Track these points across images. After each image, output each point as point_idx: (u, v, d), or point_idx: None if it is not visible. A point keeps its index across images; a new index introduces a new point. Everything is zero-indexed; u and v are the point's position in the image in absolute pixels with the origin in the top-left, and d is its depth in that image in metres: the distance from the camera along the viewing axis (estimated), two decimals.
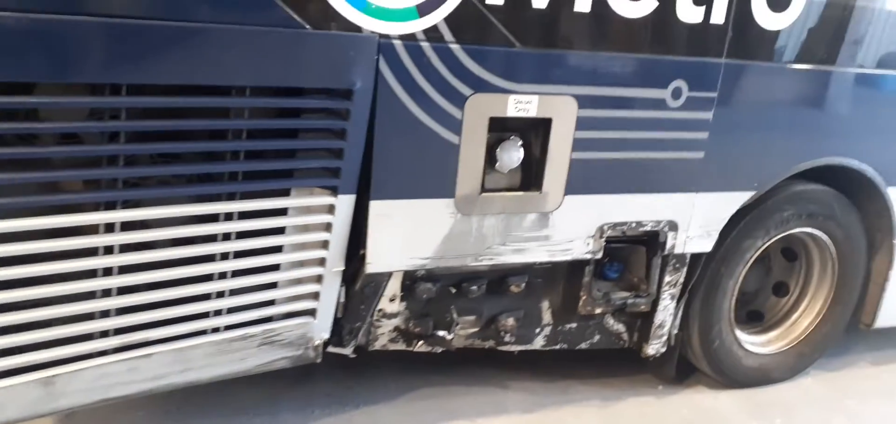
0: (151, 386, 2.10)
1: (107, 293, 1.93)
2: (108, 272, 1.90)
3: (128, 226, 1.90)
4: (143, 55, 1.81)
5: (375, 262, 2.29)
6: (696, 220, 2.73)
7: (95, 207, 1.87)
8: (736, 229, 2.88)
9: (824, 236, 3.12)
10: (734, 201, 2.78)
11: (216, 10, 1.87)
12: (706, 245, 2.81)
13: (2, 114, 1.71)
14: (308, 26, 1.96)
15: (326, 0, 1.95)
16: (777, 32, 2.57)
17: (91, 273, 1.91)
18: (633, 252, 2.83)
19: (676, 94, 2.49)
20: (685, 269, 2.84)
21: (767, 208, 2.92)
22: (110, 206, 1.86)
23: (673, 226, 2.70)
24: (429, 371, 3.05)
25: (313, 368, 2.63)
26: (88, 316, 1.95)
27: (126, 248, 1.91)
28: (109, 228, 1.87)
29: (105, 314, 1.94)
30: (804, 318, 3.33)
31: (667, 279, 2.82)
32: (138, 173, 1.90)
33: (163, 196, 1.94)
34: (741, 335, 3.20)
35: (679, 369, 3.17)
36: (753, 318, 3.38)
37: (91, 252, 1.89)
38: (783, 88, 2.72)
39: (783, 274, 3.37)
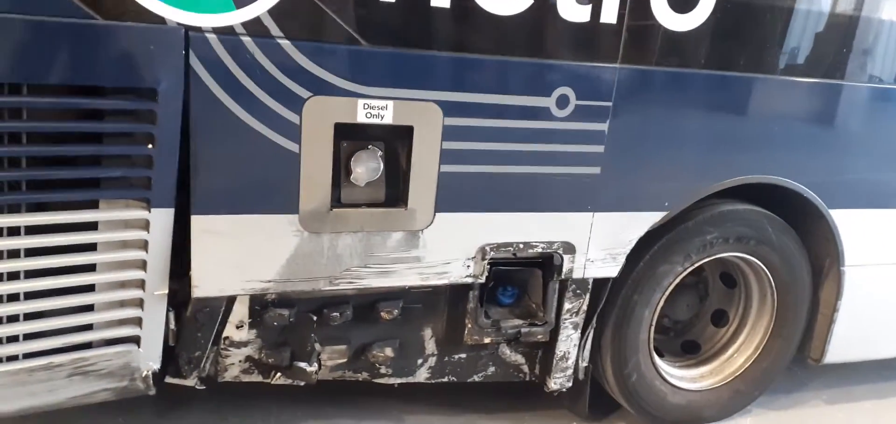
0: None
1: None
2: None
3: None
4: None
5: (203, 285, 2.00)
6: (596, 242, 2.40)
7: None
8: (648, 252, 2.54)
9: (758, 263, 2.76)
10: (641, 221, 2.44)
11: None
12: (611, 270, 2.48)
13: None
14: (98, 17, 1.69)
15: None
16: (684, 34, 2.23)
17: None
18: (530, 276, 2.51)
19: (562, 102, 2.17)
20: (587, 295, 2.50)
21: (686, 230, 2.57)
22: None
23: (569, 248, 2.37)
24: (319, 401, 2.76)
25: (188, 396, 2.37)
26: None
27: None
28: None
29: None
30: (742, 351, 2.97)
31: (567, 306, 2.49)
32: None
33: None
34: (667, 368, 2.86)
35: (604, 404, 2.84)
36: (690, 349, 3.04)
37: None
38: (695, 98, 2.37)
39: (722, 302, 3.02)
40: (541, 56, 2.11)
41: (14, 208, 1.76)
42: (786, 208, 2.71)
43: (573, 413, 2.87)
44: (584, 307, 2.52)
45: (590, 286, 2.49)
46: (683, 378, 2.90)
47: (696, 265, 2.65)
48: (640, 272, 2.56)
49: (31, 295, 1.84)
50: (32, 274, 1.82)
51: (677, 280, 2.65)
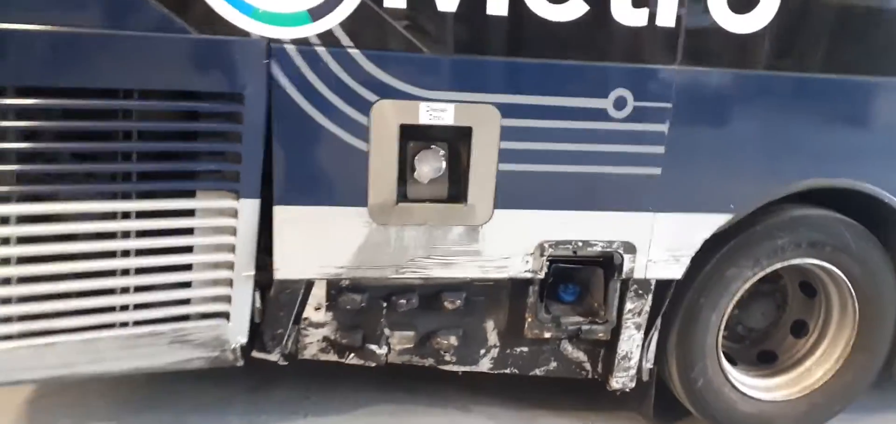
0: (60, 373, 2.14)
1: (6, 281, 1.99)
2: (4, 261, 1.97)
3: (24, 219, 1.96)
4: (30, 59, 1.87)
5: (283, 269, 2.21)
6: (657, 242, 2.40)
7: None
8: (716, 256, 2.51)
9: (837, 271, 2.64)
10: (705, 223, 2.42)
11: (94, 14, 1.89)
12: (674, 272, 2.47)
13: None
14: (193, 31, 1.94)
15: (209, 5, 1.92)
16: (745, 36, 2.20)
17: None
18: (592, 275, 2.55)
19: (620, 104, 2.21)
20: (650, 296, 2.50)
21: (755, 234, 2.51)
22: (4, 199, 1.93)
23: (629, 248, 2.40)
24: (393, 386, 2.92)
25: (276, 373, 2.60)
26: None
27: (23, 240, 1.97)
28: (3, 220, 1.94)
29: (6, 301, 2.01)
30: (821, 364, 2.83)
31: (628, 306, 2.50)
32: (29, 171, 1.95)
33: (54, 192, 1.98)
34: (738, 375, 2.79)
35: (673, 407, 2.81)
36: (767, 360, 2.94)
37: None
38: (759, 100, 2.32)
39: (802, 312, 2.91)
40: (596, 59, 2.17)
41: (127, 196, 2.04)
42: (869, 214, 2.59)
43: (639, 414, 2.86)
44: (647, 308, 2.52)
45: (652, 287, 2.50)
46: (756, 388, 2.81)
47: (768, 271, 2.58)
48: (706, 275, 2.53)
49: (140, 271, 2.12)
50: (141, 253, 2.10)
51: (747, 286, 2.59)
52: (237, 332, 2.27)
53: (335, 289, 2.37)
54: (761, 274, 2.58)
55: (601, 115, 2.21)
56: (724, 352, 2.77)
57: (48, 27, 1.85)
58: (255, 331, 2.36)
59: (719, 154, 2.35)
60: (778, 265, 2.58)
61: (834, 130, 2.42)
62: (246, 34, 1.97)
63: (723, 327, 2.63)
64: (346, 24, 2.00)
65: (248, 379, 2.86)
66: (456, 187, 2.26)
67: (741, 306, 2.83)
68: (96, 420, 2.58)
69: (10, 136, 1.91)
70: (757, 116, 2.35)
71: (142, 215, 2.06)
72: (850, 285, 2.66)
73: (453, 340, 2.49)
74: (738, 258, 2.53)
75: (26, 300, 2.03)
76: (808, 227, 2.55)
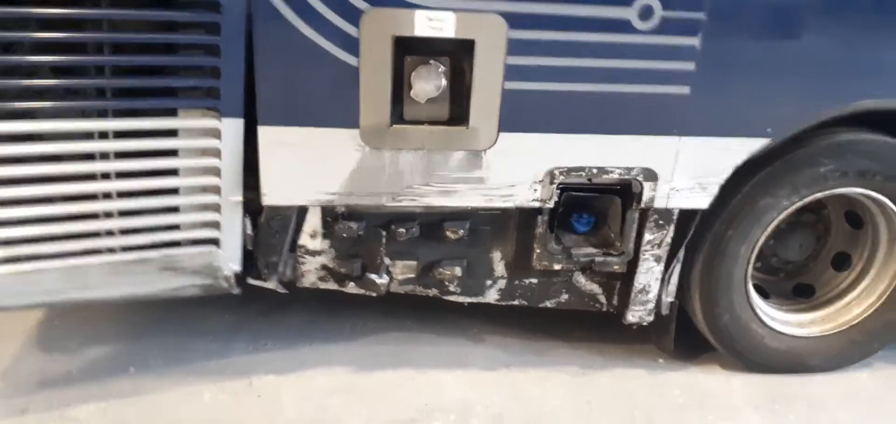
0: (48, 300, 2.02)
1: None
2: None
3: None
4: None
5: (272, 194, 2.01)
6: (682, 169, 2.11)
7: None
8: (747, 184, 2.21)
9: (888, 201, 2.32)
10: (738, 149, 2.11)
11: None
12: (700, 201, 2.18)
13: None
14: None
15: None
16: None
17: None
18: (609, 204, 2.28)
19: (646, 13, 1.89)
20: (672, 227, 2.23)
21: (795, 160, 2.19)
22: None
23: (650, 175, 2.11)
24: (402, 314, 2.76)
25: (285, 299, 2.47)
26: None
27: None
28: None
29: None
30: (862, 300, 2.54)
31: (647, 237, 2.24)
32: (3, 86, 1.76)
33: (23, 110, 1.80)
34: (768, 310, 2.52)
35: (695, 341, 2.58)
36: (804, 293, 2.65)
37: None
38: (805, 11, 1.97)
39: (846, 244, 2.59)
40: None
41: (103, 115, 1.86)
42: None
43: (659, 348, 2.63)
44: (668, 240, 2.26)
45: (675, 217, 2.22)
46: (788, 323, 2.54)
47: (807, 201, 2.27)
48: (736, 205, 2.24)
49: (123, 195, 1.95)
50: (123, 175, 1.93)
51: (783, 216, 2.29)
52: (229, 259, 2.11)
53: (330, 216, 2.17)
54: (799, 204, 2.28)
55: (624, 26, 1.89)
56: (755, 285, 2.51)
57: None
58: (250, 259, 2.20)
59: (758, 72, 2.01)
60: (819, 195, 2.27)
61: (890, 45, 2.05)
62: None
63: (754, 259, 2.36)
64: None
65: (257, 306, 2.74)
66: (457, 108, 1.99)
67: (777, 236, 2.53)
68: (103, 344, 2.50)
69: None
70: (802, 27, 1.99)
71: (121, 135, 1.88)
72: None
73: (457, 270, 2.29)
74: (773, 187, 2.22)
75: (5, 224, 1.89)
76: (858, 153, 2.21)
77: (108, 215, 1.96)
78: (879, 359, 2.63)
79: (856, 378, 2.59)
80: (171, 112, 1.90)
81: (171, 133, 1.92)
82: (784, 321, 2.54)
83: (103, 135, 1.87)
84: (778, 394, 2.47)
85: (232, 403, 2.26)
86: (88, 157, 1.89)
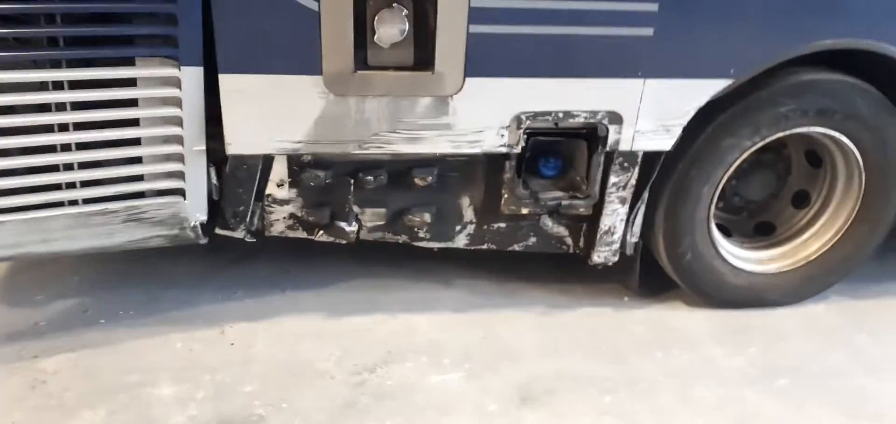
0: (11, 253, 1.99)
1: None
2: None
3: None
4: None
5: (236, 143, 1.98)
6: (646, 112, 2.12)
7: None
8: (710, 125, 2.23)
9: (845, 140, 2.35)
10: (701, 90, 2.12)
11: None
12: (664, 143, 2.20)
13: None
14: None
15: None
16: None
17: None
18: (575, 148, 2.29)
19: None
20: (636, 169, 2.25)
21: (756, 100, 2.21)
22: None
23: (615, 118, 2.12)
24: (374, 260, 2.76)
25: (255, 248, 2.46)
26: None
27: None
28: None
29: None
30: (819, 236, 2.60)
31: (612, 179, 2.26)
32: None
33: None
34: (729, 247, 2.57)
35: (658, 279, 2.63)
36: (765, 231, 2.71)
37: None
38: None
39: (806, 182, 2.64)
40: None
41: (56, 65, 1.80)
42: (886, 80, 2.27)
43: (624, 287, 2.69)
44: (633, 182, 2.28)
45: (639, 160, 2.24)
46: (748, 260, 2.60)
47: (768, 140, 2.30)
48: (699, 146, 2.26)
49: (82, 146, 1.91)
50: (81, 127, 1.88)
51: (744, 156, 2.32)
52: (195, 209, 2.09)
53: (297, 165, 2.15)
54: (761, 144, 2.31)
55: None
56: (718, 224, 2.56)
57: None
58: (217, 209, 2.17)
59: (720, 13, 2.01)
60: (780, 135, 2.30)
61: None
62: None
63: (716, 199, 2.40)
64: None
65: (227, 255, 2.73)
66: (422, 53, 1.96)
67: (739, 176, 2.57)
68: (70, 297, 2.48)
69: None
70: None
71: (77, 85, 1.82)
72: (858, 155, 2.38)
73: (426, 217, 2.30)
74: (736, 128, 2.24)
75: None
76: (817, 93, 2.24)
77: (69, 166, 1.92)
78: (835, 293, 2.72)
79: (813, 311, 2.67)
80: (129, 61, 1.85)
81: (130, 82, 1.87)
82: (745, 259, 2.60)
83: (58, 85, 1.81)
84: (739, 327, 2.54)
85: (205, 350, 2.27)
86: (44, 108, 1.84)
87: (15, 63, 1.78)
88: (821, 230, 2.61)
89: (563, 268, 2.76)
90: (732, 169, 2.35)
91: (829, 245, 2.59)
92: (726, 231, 2.66)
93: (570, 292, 2.70)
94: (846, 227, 2.55)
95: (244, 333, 2.36)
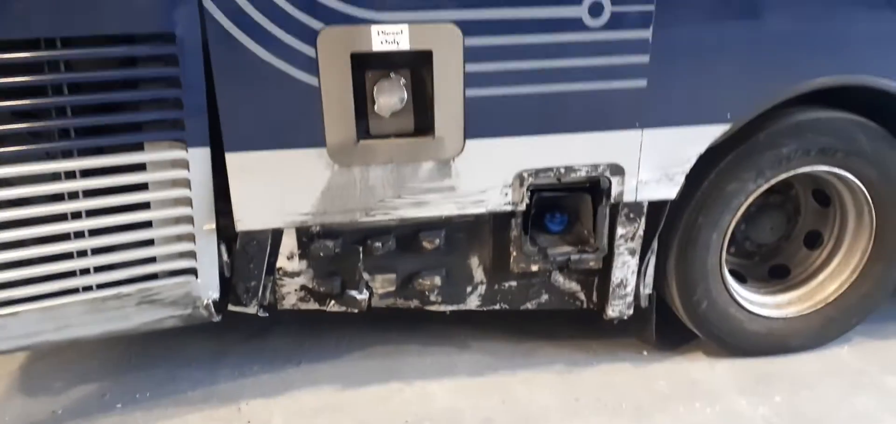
0: (28, 342, 2.00)
1: None
2: None
3: None
4: None
5: (245, 219, 2.00)
6: (647, 161, 2.12)
7: None
8: (713, 171, 2.22)
9: (850, 177, 2.33)
10: (699, 136, 2.12)
11: None
12: (668, 191, 2.19)
13: None
14: None
15: None
16: None
17: None
18: (580, 202, 2.29)
19: (595, 10, 1.90)
20: (642, 219, 2.24)
21: (757, 143, 2.21)
22: None
23: (616, 170, 2.12)
24: (388, 327, 2.75)
25: (270, 322, 2.45)
26: None
27: None
28: None
29: None
30: (835, 276, 2.55)
31: (620, 231, 2.24)
32: None
33: None
34: (745, 294, 2.52)
35: (676, 330, 2.57)
36: (779, 274, 2.66)
37: None
38: None
39: (816, 222, 2.60)
40: None
41: (68, 155, 1.85)
42: (885, 113, 2.26)
43: (640, 340, 2.63)
44: (640, 232, 2.26)
45: (644, 210, 2.23)
46: (765, 305, 2.54)
47: (773, 182, 2.28)
48: (704, 192, 2.25)
49: (95, 232, 1.94)
50: (94, 213, 1.92)
51: (750, 200, 2.30)
52: (207, 287, 2.09)
53: (306, 236, 2.17)
54: (766, 187, 2.29)
55: (575, 25, 1.91)
56: (732, 270, 2.52)
57: None
58: (228, 286, 2.18)
59: (712, 58, 2.03)
60: (784, 175, 2.28)
61: (845, 20, 2.07)
62: None
63: (726, 244, 2.36)
64: None
65: (242, 330, 2.72)
66: (422, 119, 2.00)
67: (748, 220, 2.55)
68: (90, 381, 2.47)
69: None
70: (753, 8, 2.01)
71: (88, 173, 1.87)
72: (865, 190, 2.35)
73: (437, 280, 2.28)
74: (738, 171, 2.23)
75: None
76: (817, 131, 2.23)
77: (83, 253, 1.95)
78: (857, 334, 2.63)
79: (836, 354, 2.59)
80: (138, 147, 1.89)
81: (140, 167, 1.91)
82: (762, 304, 2.54)
83: (70, 175, 1.86)
84: (762, 375, 2.46)
85: None
86: (57, 197, 1.88)
87: (29, 157, 1.83)
88: (836, 271, 2.55)
89: (579, 324, 2.71)
90: (740, 213, 2.32)
91: (847, 285, 2.52)
92: (741, 277, 2.61)
93: (588, 348, 2.64)
94: (862, 265, 2.49)
95: (261, 409, 2.33)
